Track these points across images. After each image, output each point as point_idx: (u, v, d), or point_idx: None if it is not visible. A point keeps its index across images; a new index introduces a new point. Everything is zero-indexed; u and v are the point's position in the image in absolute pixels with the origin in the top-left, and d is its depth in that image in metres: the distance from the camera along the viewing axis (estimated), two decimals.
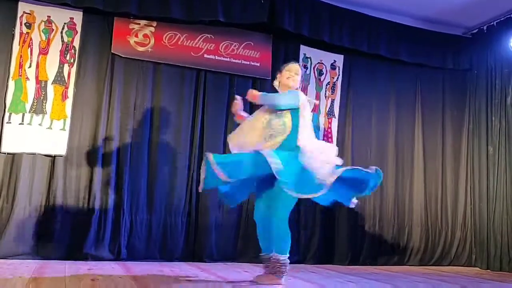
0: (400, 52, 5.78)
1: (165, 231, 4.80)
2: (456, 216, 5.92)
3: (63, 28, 4.67)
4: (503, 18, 5.65)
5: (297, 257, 4.98)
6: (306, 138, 3.49)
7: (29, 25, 4.58)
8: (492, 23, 5.81)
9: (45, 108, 4.55)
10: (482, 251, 5.68)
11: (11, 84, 4.47)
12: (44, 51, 4.61)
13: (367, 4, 5.62)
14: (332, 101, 5.58)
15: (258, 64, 5.31)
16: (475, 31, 6.08)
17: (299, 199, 3.51)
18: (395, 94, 5.89)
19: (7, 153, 4.41)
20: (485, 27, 5.92)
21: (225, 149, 5.08)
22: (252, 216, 5.08)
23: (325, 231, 5.32)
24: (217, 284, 3.49)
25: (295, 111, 3.53)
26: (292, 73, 3.69)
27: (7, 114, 4.43)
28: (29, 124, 4.49)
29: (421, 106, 5.99)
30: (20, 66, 4.51)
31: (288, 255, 3.48)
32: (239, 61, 5.24)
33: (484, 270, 5.51)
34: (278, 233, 3.42)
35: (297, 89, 3.73)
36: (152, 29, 4.96)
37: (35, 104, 4.53)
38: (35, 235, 4.39)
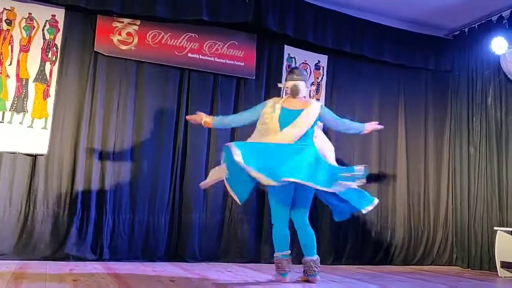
0: (383, 53, 5.83)
1: (148, 231, 4.77)
2: (438, 216, 5.98)
3: (44, 26, 4.61)
4: (484, 21, 5.73)
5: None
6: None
7: (9, 22, 4.51)
8: (473, 25, 5.88)
9: (26, 106, 4.49)
10: (463, 250, 5.75)
11: None
12: (25, 49, 4.54)
13: (351, 5, 5.65)
14: (317, 101, 5.59)
15: (243, 64, 5.30)
16: (456, 33, 6.16)
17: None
18: (379, 94, 5.94)
19: None
20: (466, 29, 6.00)
21: (208, 148, 5.07)
22: (236, 217, 5.11)
23: None
24: (200, 284, 3.48)
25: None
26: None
27: None
28: (9, 122, 4.43)
29: (404, 106, 6.04)
30: (0, 63, 4.44)
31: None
32: (223, 61, 5.22)
33: (465, 269, 5.58)
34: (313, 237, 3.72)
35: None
36: (136, 27, 4.92)
37: (15, 102, 4.46)
38: (15, 235, 4.33)
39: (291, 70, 3.96)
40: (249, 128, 4.05)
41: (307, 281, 3.67)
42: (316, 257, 3.69)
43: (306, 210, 3.73)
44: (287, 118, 3.65)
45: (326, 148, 4.07)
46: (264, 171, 3.33)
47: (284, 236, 3.69)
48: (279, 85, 4.10)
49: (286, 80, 3.95)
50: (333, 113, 3.87)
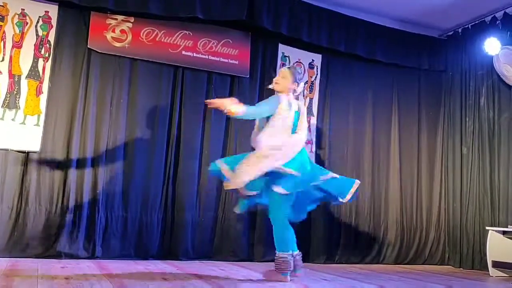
0: (377, 52, 5.84)
1: (140, 228, 4.75)
2: (430, 216, 6.01)
3: (37, 22, 4.58)
4: (477, 22, 5.76)
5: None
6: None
7: (2, 18, 4.47)
8: (467, 26, 5.91)
9: (18, 103, 4.46)
10: (455, 250, 5.78)
11: None
12: (18, 45, 4.51)
13: (345, 4, 5.66)
14: (311, 100, 5.61)
15: (237, 62, 5.29)
16: (450, 33, 6.18)
17: None
18: (372, 94, 5.95)
19: None
20: (460, 30, 6.02)
21: (202, 146, 5.06)
22: (229, 215, 5.11)
23: (300, 229, 5.30)
24: (193, 282, 3.48)
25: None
26: (279, 77, 3.78)
27: None
28: (2, 119, 4.40)
29: (398, 105, 6.06)
30: None
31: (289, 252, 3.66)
32: (218, 59, 5.21)
33: (457, 268, 5.61)
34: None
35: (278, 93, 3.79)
36: (130, 24, 4.90)
37: (8, 98, 4.43)
38: (7, 233, 4.30)
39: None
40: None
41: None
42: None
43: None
44: (296, 120, 3.68)
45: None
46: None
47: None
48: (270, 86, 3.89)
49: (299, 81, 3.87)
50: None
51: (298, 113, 3.72)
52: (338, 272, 4.56)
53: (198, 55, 5.13)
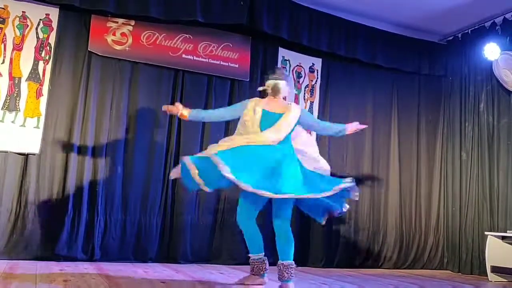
0: (377, 57, 5.85)
1: (139, 231, 4.75)
2: (429, 220, 6.01)
3: (38, 24, 4.59)
4: (477, 27, 5.77)
5: (272, 259, 4.98)
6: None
7: (3, 20, 4.48)
8: (467, 31, 5.92)
9: (18, 105, 4.46)
10: (453, 255, 5.78)
11: None
12: (18, 47, 4.52)
13: (345, 9, 5.67)
14: (311, 103, 5.61)
15: (237, 66, 5.30)
16: (450, 38, 6.19)
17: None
18: (372, 98, 5.96)
19: None
20: (460, 35, 6.04)
21: (201, 150, 5.04)
22: (228, 219, 5.10)
23: (300, 233, 5.32)
24: (192, 286, 3.48)
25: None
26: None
27: None
28: (1, 121, 4.40)
29: (397, 110, 6.07)
30: None
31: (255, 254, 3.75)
32: (218, 62, 5.22)
33: (456, 273, 5.61)
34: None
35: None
36: (130, 28, 4.91)
37: (8, 101, 4.43)
38: (5, 235, 4.30)
39: (273, 70, 3.90)
40: None
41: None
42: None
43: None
44: (267, 121, 3.58)
45: (310, 150, 3.84)
46: (262, 187, 3.26)
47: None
48: (260, 88, 3.91)
49: (267, 80, 3.81)
50: (313, 117, 3.87)
51: (272, 114, 3.61)
52: (337, 276, 4.56)
53: (198, 59, 5.14)
